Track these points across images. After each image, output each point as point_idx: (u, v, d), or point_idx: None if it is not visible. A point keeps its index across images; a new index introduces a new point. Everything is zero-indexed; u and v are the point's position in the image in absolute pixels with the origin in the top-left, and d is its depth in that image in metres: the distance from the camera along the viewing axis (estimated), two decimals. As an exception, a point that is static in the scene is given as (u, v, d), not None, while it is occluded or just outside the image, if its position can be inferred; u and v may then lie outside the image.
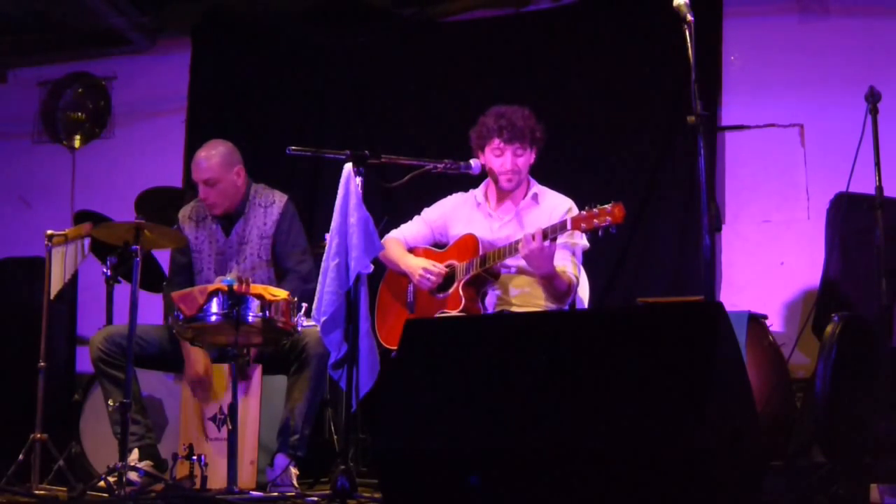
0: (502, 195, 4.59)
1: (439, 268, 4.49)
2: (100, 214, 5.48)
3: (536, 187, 4.60)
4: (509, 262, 4.43)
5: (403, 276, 4.63)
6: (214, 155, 4.71)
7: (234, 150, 4.79)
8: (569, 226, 4.13)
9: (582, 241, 4.46)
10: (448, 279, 4.49)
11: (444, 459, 3.09)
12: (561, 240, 4.41)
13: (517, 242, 4.24)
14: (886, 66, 5.66)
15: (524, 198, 4.57)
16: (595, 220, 4.06)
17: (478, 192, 4.68)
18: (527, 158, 4.51)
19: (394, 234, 4.71)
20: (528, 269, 4.38)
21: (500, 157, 4.47)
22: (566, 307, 4.45)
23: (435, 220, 4.74)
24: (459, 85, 6.36)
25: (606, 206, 4.05)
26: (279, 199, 4.83)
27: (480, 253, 4.40)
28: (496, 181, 4.52)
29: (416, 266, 4.53)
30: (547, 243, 4.16)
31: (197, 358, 4.56)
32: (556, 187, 4.61)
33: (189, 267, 4.84)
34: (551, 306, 4.43)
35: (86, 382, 5.27)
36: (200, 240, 4.83)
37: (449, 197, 4.77)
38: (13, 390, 5.51)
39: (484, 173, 4.57)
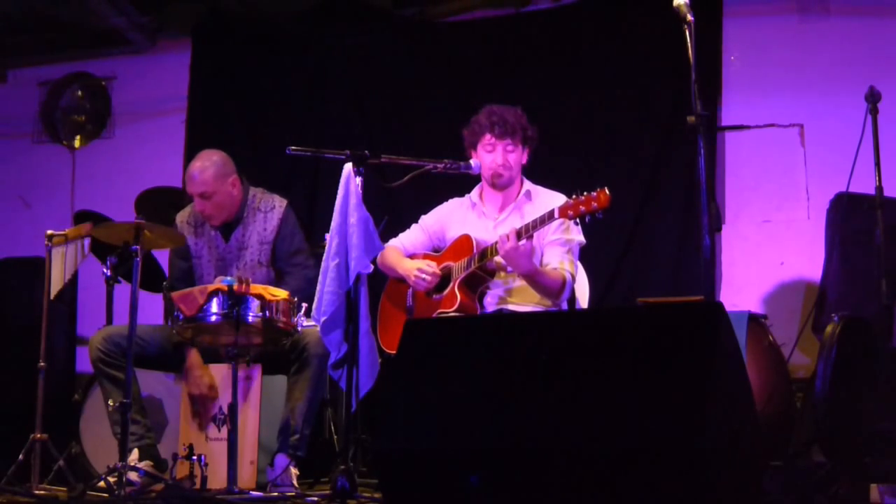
0: (496, 194, 4.60)
1: (434, 267, 4.49)
2: (100, 214, 5.48)
3: (529, 185, 4.61)
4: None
5: (402, 284, 4.63)
6: (209, 167, 4.68)
7: (227, 161, 4.75)
8: (556, 214, 4.15)
9: (578, 237, 4.47)
10: (445, 280, 4.50)
11: (444, 459, 3.09)
12: (556, 236, 4.42)
13: (497, 242, 4.26)
14: (886, 66, 5.66)
15: (518, 196, 4.57)
16: (581, 207, 4.09)
17: (472, 194, 4.70)
18: (518, 155, 4.52)
19: (392, 242, 4.72)
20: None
21: (492, 153, 4.49)
22: (564, 303, 4.45)
23: (432, 225, 4.75)
24: (459, 85, 6.37)
25: (592, 192, 4.07)
26: (279, 203, 4.83)
27: (475, 251, 4.41)
28: (488, 178, 4.53)
29: (412, 267, 4.54)
30: (522, 242, 4.18)
31: (201, 375, 4.57)
32: (555, 187, 4.61)
33: (190, 272, 4.83)
34: (549, 303, 4.43)
35: (86, 382, 5.27)
36: (200, 246, 4.83)
37: (445, 203, 4.78)
38: (13, 390, 5.51)
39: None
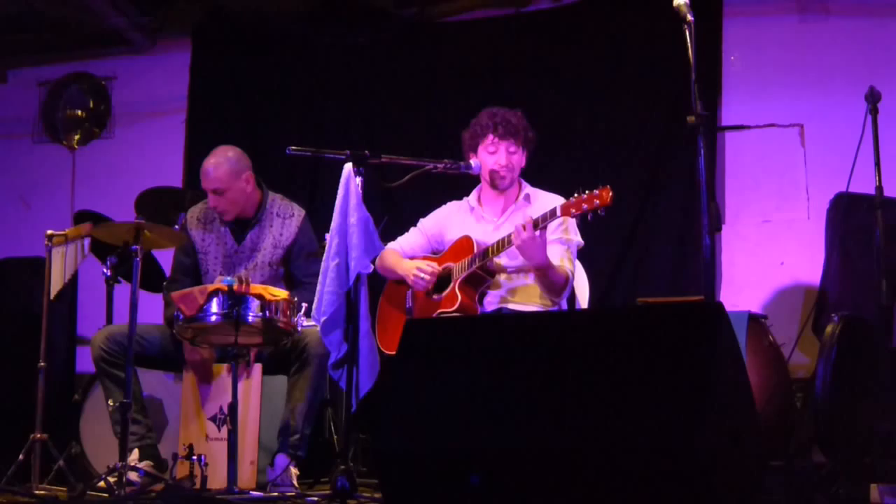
0: (496, 197, 4.60)
1: (433, 266, 4.49)
2: (100, 214, 5.47)
3: (529, 189, 4.62)
4: (507, 261, 4.43)
5: (402, 285, 4.63)
6: (223, 163, 4.69)
7: (241, 157, 4.77)
8: (558, 213, 4.15)
9: (576, 237, 4.48)
10: (445, 281, 4.50)
11: (444, 459, 3.09)
12: (555, 235, 4.42)
13: (510, 235, 4.26)
14: (886, 66, 5.66)
15: (517, 199, 4.58)
16: (584, 205, 4.09)
17: (470, 198, 4.69)
18: (519, 157, 4.53)
19: (391, 245, 4.72)
20: (525, 267, 4.38)
21: (495, 154, 4.49)
22: (564, 303, 4.46)
23: (430, 228, 4.75)
24: (459, 85, 6.37)
25: (594, 190, 4.07)
26: (298, 212, 4.85)
27: (475, 252, 4.41)
28: (490, 180, 4.53)
29: (410, 267, 4.54)
30: (538, 233, 4.17)
31: (202, 356, 4.57)
32: (555, 188, 4.61)
33: (192, 268, 4.84)
34: (549, 303, 4.44)
35: (86, 382, 5.27)
36: (207, 242, 4.83)
37: (443, 206, 4.78)
38: (13, 390, 5.51)
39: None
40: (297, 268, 4.79)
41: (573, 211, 4.12)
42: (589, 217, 4.11)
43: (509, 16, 6.52)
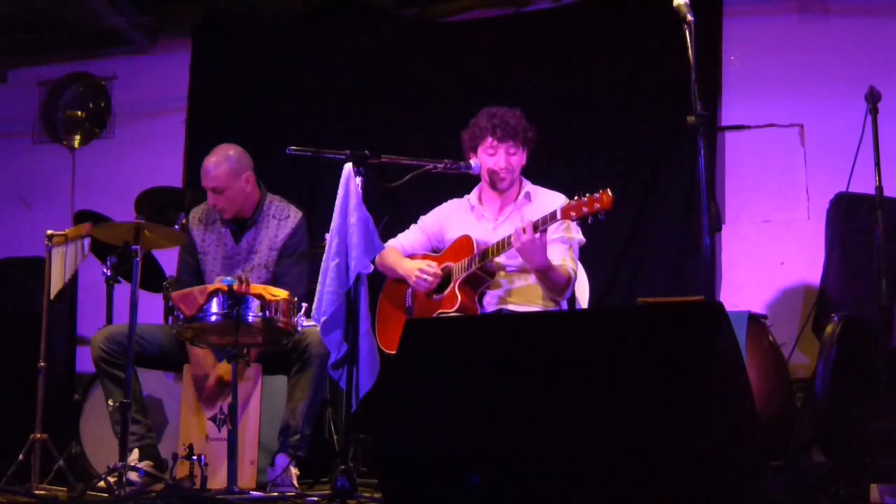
0: (496, 196, 4.60)
1: (435, 268, 4.49)
2: (100, 214, 5.47)
3: (529, 186, 4.62)
4: (508, 260, 4.43)
5: (402, 284, 4.63)
6: (222, 162, 4.69)
7: (242, 156, 4.76)
8: (559, 215, 4.15)
9: (578, 235, 4.48)
10: (444, 281, 4.50)
11: (444, 459, 3.09)
12: (557, 234, 4.42)
13: (510, 237, 4.26)
14: (886, 66, 5.66)
15: (517, 197, 4.58)
16: (584, 208, 4.08)
17: (471, 196, 4.69)
18: (519, 158, 4.53)
19: (391, 242, 4.72)
20: (526, 268, 4.39)
21: (494, 156, 4.49)
22: (565, 302, 4.46)
23: (431, 226, 4.75)
24: (459, 85, 6.37)
25: (595, 194, 4.07)
26: (294, 213, 4.85)
27: (475, 252, 4.41)
28: (490, 181, 4.53)
29: (412, 268, 4.54)
30: (538, 235, 4.18)
31: (205, 356, 4.56)
32: (555, 187, 4.62)
33: (196, 268, 4.85)
34: (550, 303, 4.44)
35: (86, 382, 5.27)
36: (208, 242, 4.84)
37: (444, 203, 4.78)
38: (13, 390, 5.51)
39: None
40: (279, 266, 4.77)
41: (573, 214, 4.11)
42: (589, 220, 4.11)
43: (509, 16, 6.52)
